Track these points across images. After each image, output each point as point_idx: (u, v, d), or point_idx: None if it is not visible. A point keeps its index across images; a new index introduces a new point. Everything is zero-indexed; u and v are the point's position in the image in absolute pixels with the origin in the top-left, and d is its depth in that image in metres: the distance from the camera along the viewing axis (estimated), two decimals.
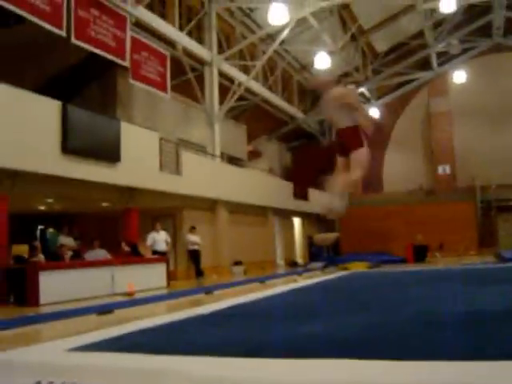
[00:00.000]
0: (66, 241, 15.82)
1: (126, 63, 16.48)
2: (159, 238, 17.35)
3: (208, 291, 13.58)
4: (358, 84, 31.51)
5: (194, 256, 19.00)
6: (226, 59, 22.68)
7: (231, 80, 23.43)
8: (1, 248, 12.70)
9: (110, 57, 15.79)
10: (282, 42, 25.55)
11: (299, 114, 31.60)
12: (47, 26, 13.56)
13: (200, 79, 21.64)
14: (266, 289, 13.61)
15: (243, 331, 6.48)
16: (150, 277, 15.40)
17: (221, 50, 22.65)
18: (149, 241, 17.21)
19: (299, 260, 30.31)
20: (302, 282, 16.23)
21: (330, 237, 28.66)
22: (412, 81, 33.13)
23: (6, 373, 5.06)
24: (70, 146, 13.55)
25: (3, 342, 7.07)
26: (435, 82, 33.15)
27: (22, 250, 14.82)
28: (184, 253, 19.53)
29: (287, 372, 4.39)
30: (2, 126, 12.11)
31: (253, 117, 27.88)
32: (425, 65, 32.23)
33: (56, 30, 13.80)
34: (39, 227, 15.18)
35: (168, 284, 16.24)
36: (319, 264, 24.32)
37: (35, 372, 4.93)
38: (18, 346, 6.33)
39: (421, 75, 32.59)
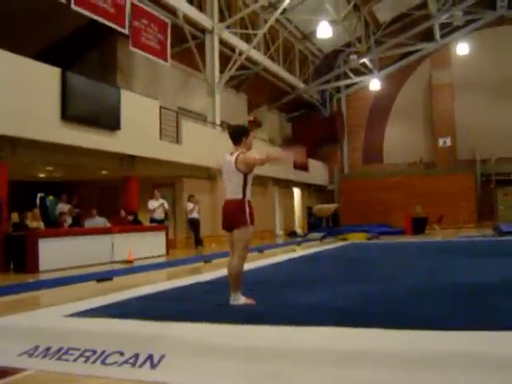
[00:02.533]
0: (66, 208, 15.85)
1: (126, 30, 16.32)
2: (157, 206, 17.38)
3: (207, 260, 13.65)
4: (359, 56, 31.37)
5: (194, 225, 19.04)
6: (228, 27, 22.47)
7: (232, 49, 23.22)
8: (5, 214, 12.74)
9: (109, 24, 15.63)
10: (284, 11, 25.29)
11: (300, 84, 31.41)
12: None
13: (201, 48, 21.44)
14: (264, 258, 13.68)
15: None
16: (149, 245, 15.45)
17: (222, 18, 22.40)
18: (150, 205, 17.28)
19: (298, 230, 30.39)
20: (301, 251, 16.31)
21: (330, 208, 28.79)
22: (414, 52, 32.88)
23: (5, 337, 5.11)
24: (70, 113, 13.48)
25: (3, 308, 7.11)
26: (438, 53, 32.87)
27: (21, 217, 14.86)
28: (183, 222, 19.56)
29: (284, 339, 4.44)
30: (1, 92, 12.05)
31: (253, 86, 27.72)
32: (428, 36, 31.92)
33: None
34: (39, 195, 15.16)
35: (167, 252, 16.30)
36: (318, 234, 24.39)
37: (33, 337, 5.00)
38: (17, 312, 6.39)
39: (423, 46, 32.31)
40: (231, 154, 6.06)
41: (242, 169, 5.93)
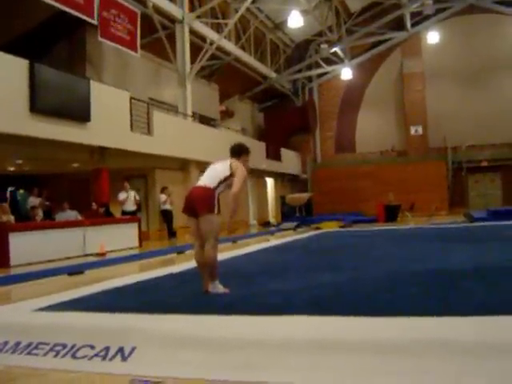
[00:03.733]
0: (36, 202, 15.68)
1: (95, 21, 16.13)
2: (126, 197, 17.30)
3: (180, 251, 13.62)
4: (330, 45, 31.41)
5: (167, 216, 18.99)
6: (198, 17, 22.35)
7: (203, 39, 23.12)
8: None
9: (78, 14, 15.43)
10: (255, 1, 25.24)
11: (272, 74, 31.40)
12: None
13: (171, 38, 21.30)
14: (237, 248, 13.69)
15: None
16: (121, 237, 15.34)
17: (192, 8, 22.29)
18: (120, 196, 17.20)
19: (272, 220, 30.44)
20: (275, 241, 16.35)
21: (303, 197, 28.86)
22: (385, 41, 33.04)
23: None
24: (39, 105, 13.28)
25: None
26: (408, 42, 32.99)
27: None
28: (156, 213, 19.48)
29: (255, 329, 4.44)
30: None
31: (225, 76, 27.64)
32: (398, 25, 32.11)
33: None
34: (9, 188, 14.99)
35: (140, 244, 16.22)
36: (292, 224, 24.44)
37: (3, 332, 4.94)
38: None
39: (394, 35, 32.49)
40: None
41: (233, 172, 6.24)
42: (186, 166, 21.24)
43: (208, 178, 6.27)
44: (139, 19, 18.26)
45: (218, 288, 6.13)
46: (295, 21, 25.34)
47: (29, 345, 4.63)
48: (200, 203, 6.07)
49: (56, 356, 4.39)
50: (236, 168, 6.24)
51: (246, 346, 4.10)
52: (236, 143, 6.77)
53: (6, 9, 16.09)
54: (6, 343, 4.73)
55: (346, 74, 32.94)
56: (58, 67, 14.87)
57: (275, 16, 29.45)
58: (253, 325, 4.58)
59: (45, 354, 4.45)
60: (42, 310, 5.70)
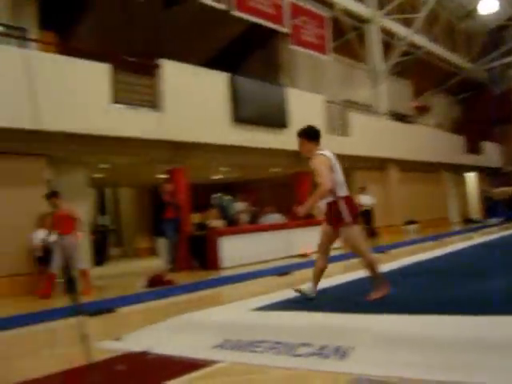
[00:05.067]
0: (242, 207, 16.38)
1: (286, 29, 16.60)
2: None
3: (382, 251, 13.50)
4: None
5: (366, 216, 18.91)
6: (387, 15, 22.11)
7: (393, 35, 22.82)
8: (185, 216, 13.48)
9: (270, 25, 15.99)
10: None
11: (466, 64, 30.16)
12: (208, 1, 14.00)
13: (361, 38, 21.29)
14: (440, 247, 13.31)
15: (420, 289, 6.40)
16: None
17: (380, 6, 22.09)
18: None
19: (474, 216, 29.21)
20: (479, 238, 15.66)
21: (509, 191, 27.28)
22: None
23: (197, 331, 5.37)
24: (240, 115, 14.03)
25: (190, 305, 7.49)
26: None
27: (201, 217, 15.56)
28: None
29: (472, 328, 4.30)
30: (181, 102, 12.93)
31: (417, 71, 26.97)
32: None
33: (217, 5, 14.21)
34: (216, 195, 15.82)
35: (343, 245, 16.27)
36: (496, 219, 23.29)
37: (223, 331, 5.21)
38: (204, 307, 6.69)
39: None
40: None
41: None
42: (383, 165, 21.05)
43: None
44: (328, 23, 18.45)
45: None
46: (488, 6, 24.19)
47: (249, 343, 4.81)
48: None
49: (275, 354, 4.49)
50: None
51: (464, 347, 3.95)
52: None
53: (206, 27, 16.99)
54: (227, 341, 4.98)
55: None
56: (254, 77, 15.48)
57: (467, 2, 28.28)
58: (467, 324, 4.44)
59: (264, 352, 4.57)
60: (258, 309, 5.95)
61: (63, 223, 10.04)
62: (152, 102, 12.70)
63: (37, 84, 9.13)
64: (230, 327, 5.28)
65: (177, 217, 13.10)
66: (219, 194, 15.49)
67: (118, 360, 4.86)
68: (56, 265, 9.94)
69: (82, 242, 10.75)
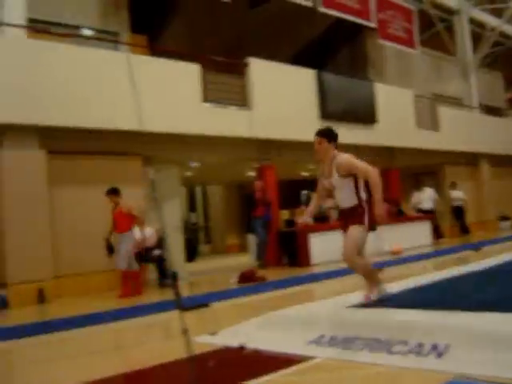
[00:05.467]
0: (330, 203, 16.31)
1: (373, 24, 16.46)
2: (424, 197, 17.12)
3: (476, 248, 13.19)
4: None
5: (458, 212, 18.52)
6: (475, 5, 21.54)
7: (482, 26, 22.21)
8: (274, 213, 13.61)
9: (356, 20, 15.89)
10: None
11: None
12: None
13: (449, 30, 20.84)
14: None
15: None
16: (414, 235, 15.33)
17: None
18: (415, 196, 17.18)
19: None
20: None
21: None
22: None
23: (291, 328, 5.43)
24: (327, 111, 14.04)
25: (283, 300, 7.57)
26: None
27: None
28: (448, 210, 19.10)
29: None
30: (269, 100, 13.10)
31: (509, 62, 26.16)
32: None
33: (303, 2, 14.23)
34: (303, 192, 15.85)
35: (434, 242, 16.06)
36: None
37: (318, 327, 5.25)
38: (296, 303, 6.73)
39: None
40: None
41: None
42: (475, 161, 20.55)
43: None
44: (415, 16, 18.18)
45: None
46: None
47: (344, 339, 4.83)
48: None
49: (371, 351, 4.49)
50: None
51: None
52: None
53: (291, 25, 17.06)
54: (322, 336, 5.00)
55: None
56: (341, 73, 15.47)
57: None
58: None
59: (360, 349, 4.58)
60: (352, 306, 5.96)
61: (119, 221, 9.96)
62: (241, 100, 12.88)
63: (138, 86, 9.45)
64: (325, 323, 5.30)
65: (266, 214, 13.24)
66: (307, 191, 15.49)
67: (215, 354, 5.00)
68: (121, 263, 9.90)
69: (173, 241, 11.01)
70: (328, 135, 6.01)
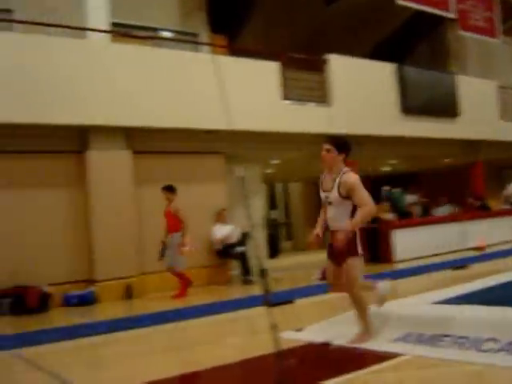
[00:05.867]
0: (412, 199, 16.14)
1: (453, 15, 16.15)
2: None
3: None
4: None
5: None
6: None
7: None
8: None
9: (435, 11, 15.63)
10: None
11: None
12: None
13: None
14: None
15: None
16: (500, 231, 14.95)
17: None
18: (506, 192, 16.73)
19: None
20: None
21: None
22: None
23: (377, 325, 5.38)
24: (408, 105, 13.91)
25: (367, 298, 7.56)
26: None
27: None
28: None
29: None
30: (349, 95, 13.05)
31: None
32: None
33: None
34: (384, 188, 15.70)
35: None
36: None
37: (405, 324, 5.24)
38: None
39: None
40: None
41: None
42: None
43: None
44: (497, 4, 17.72)
45: None
46: None
47: (432, 336, 4.81)
48: None
49: (460, 348, 4.46)
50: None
51: None
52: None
53: (369, 19, 16.90)
54: (408, 334, 4.99)
55: None
56: (421, 66, 15.27)
57: None
58: None
59: (448, 346, 4.56)
60: (439, 302, 5.92)
61: (168, 220, 9.78)
62: (321, 96, 12.87)
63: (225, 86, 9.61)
64: (411, 320, 5.28)
65: None
66: (389, 187, 15.35)
67: (302, 349, 5.08)
68: (168, 262, 9.71)
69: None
70: (339, 145, 5.56)
